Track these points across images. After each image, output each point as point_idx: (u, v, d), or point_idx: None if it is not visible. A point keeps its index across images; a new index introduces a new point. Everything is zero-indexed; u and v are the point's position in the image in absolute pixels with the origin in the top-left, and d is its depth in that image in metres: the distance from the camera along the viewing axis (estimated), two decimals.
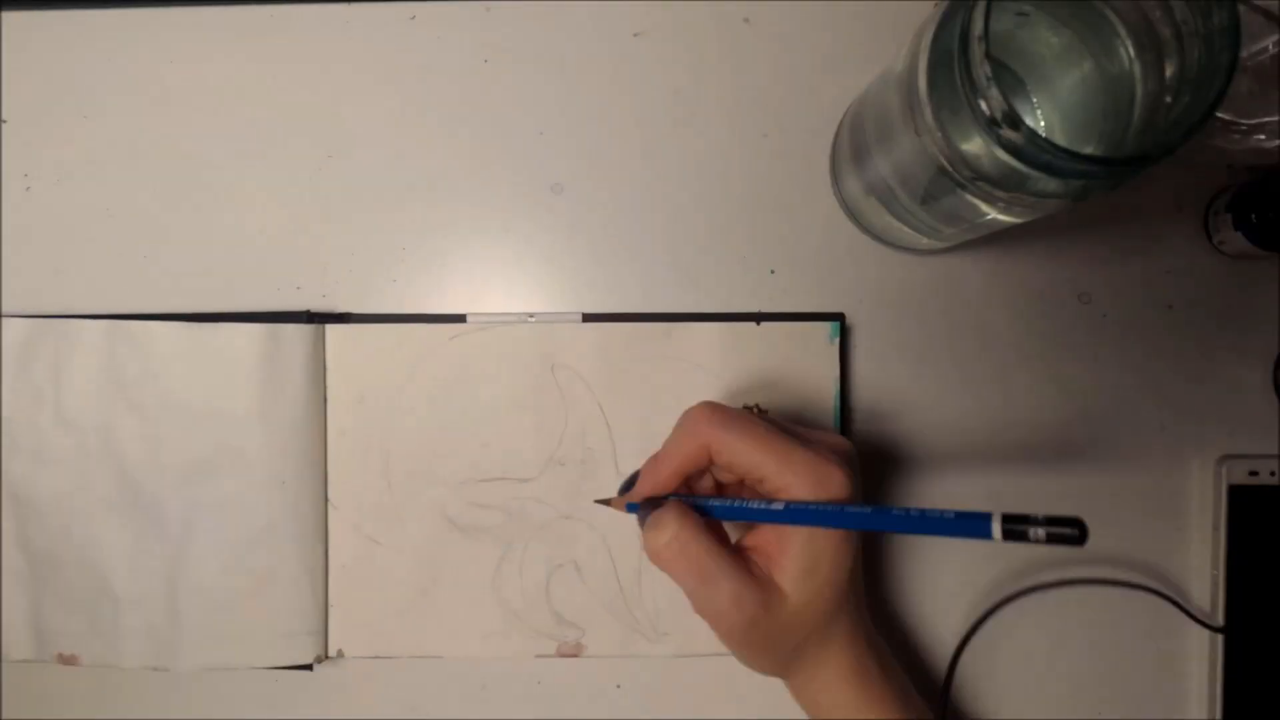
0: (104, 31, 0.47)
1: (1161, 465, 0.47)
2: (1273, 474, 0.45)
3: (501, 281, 0.47)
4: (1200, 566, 0.46)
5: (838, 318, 0.46)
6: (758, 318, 0.46)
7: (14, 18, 0.47)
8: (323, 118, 0.47)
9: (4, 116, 0.47)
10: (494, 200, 0.47)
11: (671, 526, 0.34)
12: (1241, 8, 0.32)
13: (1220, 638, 0.45)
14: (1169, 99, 0.30)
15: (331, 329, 0.46)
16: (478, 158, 0.47)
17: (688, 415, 0.36)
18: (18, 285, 0.47)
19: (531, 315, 0.46)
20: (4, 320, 0.45)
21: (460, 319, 0.46)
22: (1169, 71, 0.30)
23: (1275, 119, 0.42)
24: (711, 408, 0.36)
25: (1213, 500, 0.46)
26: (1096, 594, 0.46)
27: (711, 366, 0.45)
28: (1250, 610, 0.45)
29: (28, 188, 0.47)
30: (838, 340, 0.45)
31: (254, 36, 0.47)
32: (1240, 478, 0.45)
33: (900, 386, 0.46)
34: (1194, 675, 0.46)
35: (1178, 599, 0.45)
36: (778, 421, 0.37)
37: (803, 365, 0.45)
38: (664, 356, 0.45)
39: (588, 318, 0.46)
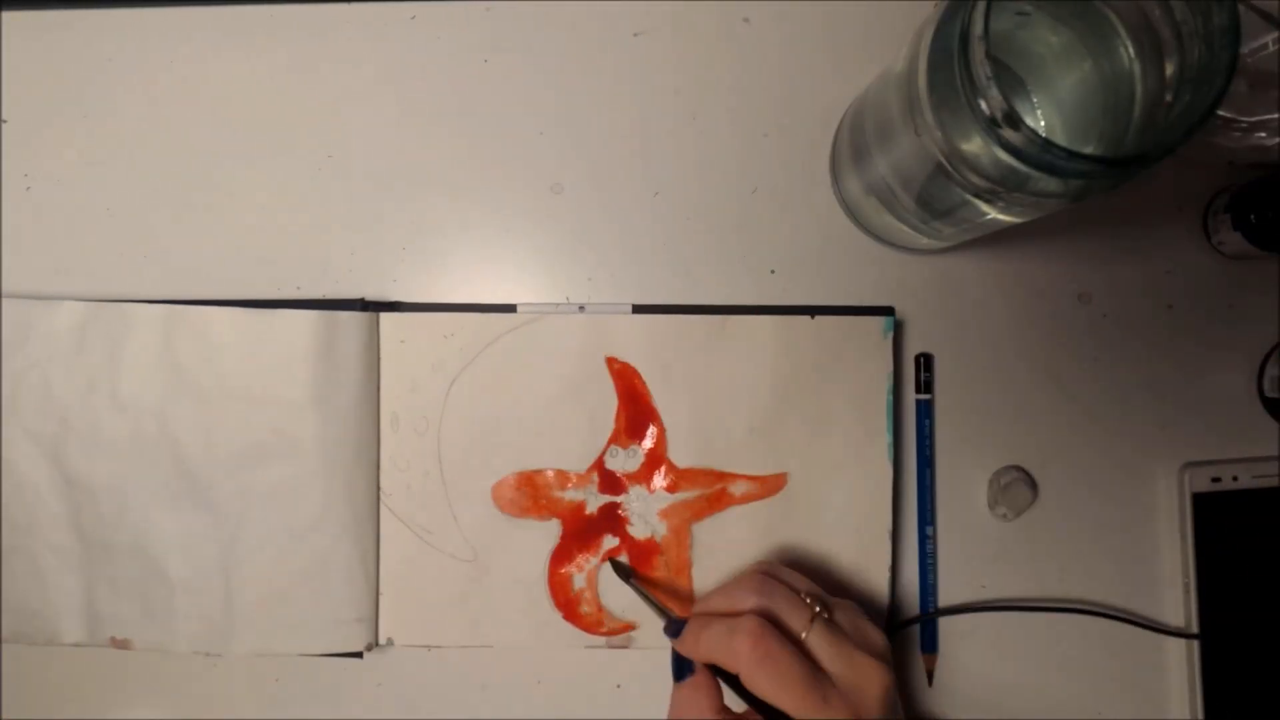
0: (104, 31, 0.47)
1: (1162, 464, 0.47)
2: (1235, 479, 0.45)
3: (494, 279, 0.47)
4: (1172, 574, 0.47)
5: (889, 312, 0.46)
6: (811, 311, 0.46)
7: (14, 18, 0.47)
8: (323, 118, 0.47)
9: (4, 116, 0.47)
10: (493, 200, 0.47)
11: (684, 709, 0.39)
12: (1240, 7, 0.32)
13: (1196, 644, 0.45)
14: (1169, 98, 0.30)
15: (385, 317, 0.46)
16: (478, 158, 0.47)
17: (737, 635, 0.37)
18: (17, 285, 0.47)
19: (583, 306, 0.46)
20: (61, 303, 0.45)
21: (510, 309, 0.46)
22: (1169, 71, 0.30)
23: (1275, 117, 0.42)
24: (756, 644, 0.36)
25: (1178, 507, 0.46)
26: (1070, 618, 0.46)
27: (764, 359, 0.45)
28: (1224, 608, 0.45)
29: (28, 188, 0.47)
30: (891, 335, 0.45)
31: (254, 36, 0.47)
32: (1203, 485, 0.45)
33: (902, 385, 0.46)
34: (1174, 683, 0.46)
35: (1149, 621, 0.46)
36: (825, 639, 0.37)
37: (855, 359, 0.45)
38: (716, 348, 0.45)
39: (637, 309, 0.46)
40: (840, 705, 0.36)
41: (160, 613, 0.46)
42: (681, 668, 0.39)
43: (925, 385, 0.46)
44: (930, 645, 0.46)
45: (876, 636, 0.39)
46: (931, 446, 0.46)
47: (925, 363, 0.46)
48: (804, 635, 0.37)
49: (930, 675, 0.46)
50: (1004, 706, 0.47)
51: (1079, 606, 0.46)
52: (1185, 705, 0.46)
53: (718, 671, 0.38)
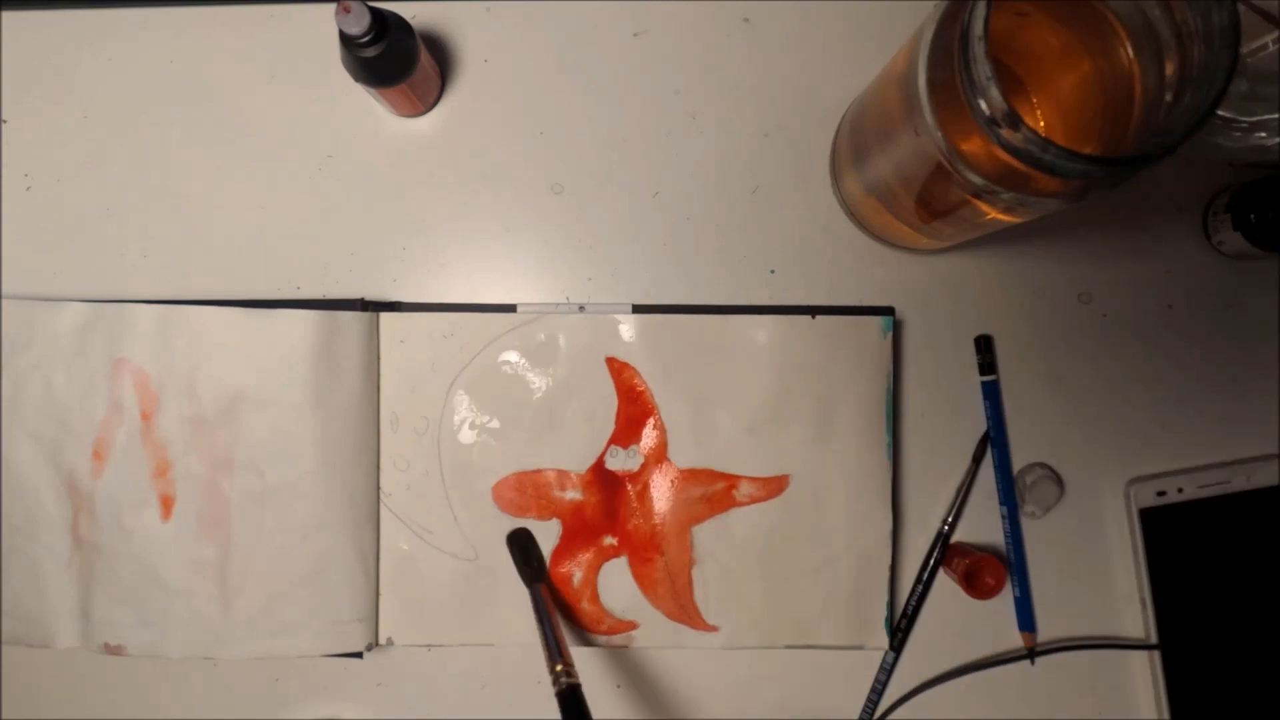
0: (104, 31, 0.47)
1: (1161, 464, 0.47)
2: (1180, 490, 0.45)
3: (494, 279, 0.47)
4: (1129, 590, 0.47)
5: (889, 311, 0.46)
6: (811, 311, 0.46)
7: (14, 18, 0.47)
8: (323, 117, 0.47)
9: (4, 116, 0.47)
10: (493, 200, 0.47)
11: None
12: (1240, 7, 0.32)
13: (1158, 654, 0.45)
14: (1169, 98, 0.30)
15: (385, 317, 0.46)
16: (478, 158, 0.47)
17: None
18: (17, 285, 0.47)
19: (583, 306, 0.46)
20: (64, 304, 0.45)
21: (510, 309, 0.46)
22: (1169, 71, 0.30)
23: (1275, 117, 0.42)
24: None
25: (1126, 524, 0.46)
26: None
27: (764, 359, 0.45)
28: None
29: (28, 188, 0.47)
30: (890, 334, 0.45)
31: (254, 36, 0.47)
32: (1149, 500, 0.45)
33: (901, 385, 0.47)
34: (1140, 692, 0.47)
35: (1114, 642, 0.46)
36: None
37: (855, 359, 0.45)
38: (717, 348, 0.45)
39: (637, 309, 0.46)
40: None
41: (156, 618, 0.45)
42: None
43: (988, 366, 0.46)
44: (1027, 624, 0.46)
45: None
46: (1001, 428, 0.46)
47: (985, 344, 0.46)
48: None
49: (1031, 654, 0.46)
50: None
51: (1055, 646, 0.46)
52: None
53: None
